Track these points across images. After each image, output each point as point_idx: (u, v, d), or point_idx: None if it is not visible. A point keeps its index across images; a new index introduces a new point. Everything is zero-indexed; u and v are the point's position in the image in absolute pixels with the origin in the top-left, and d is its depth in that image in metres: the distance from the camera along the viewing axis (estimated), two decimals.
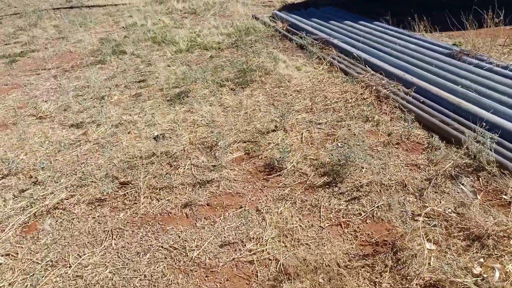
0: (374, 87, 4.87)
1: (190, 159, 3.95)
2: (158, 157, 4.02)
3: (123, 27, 9.64)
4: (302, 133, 4.22)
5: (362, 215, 3.04)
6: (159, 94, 5.53)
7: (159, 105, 5.21)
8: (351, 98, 4.79)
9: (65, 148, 4.34)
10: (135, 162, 3.97)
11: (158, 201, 3.42)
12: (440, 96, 4.28)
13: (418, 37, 6.30)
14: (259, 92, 5.30)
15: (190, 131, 4.48)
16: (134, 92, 5.65)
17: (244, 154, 3.96)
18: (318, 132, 4.22)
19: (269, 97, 5.14)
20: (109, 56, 7.32)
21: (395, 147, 3.83)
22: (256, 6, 10.80)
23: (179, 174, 3.73)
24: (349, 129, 4.21)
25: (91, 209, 3.39)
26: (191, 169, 3.79)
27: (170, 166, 3.87)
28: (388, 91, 4.71)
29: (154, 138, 4.38)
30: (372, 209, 3.07)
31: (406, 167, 3.50)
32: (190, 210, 3.28)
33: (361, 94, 4.87)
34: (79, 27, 9.84)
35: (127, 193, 3.54)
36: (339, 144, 3.93)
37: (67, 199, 3.52)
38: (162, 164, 3.91)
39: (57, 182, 3.77)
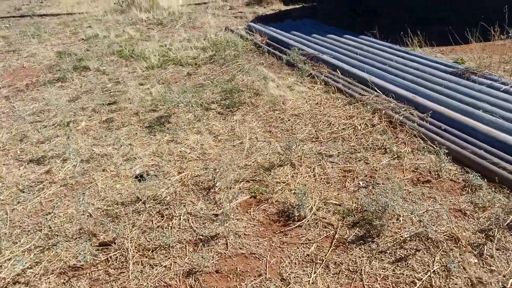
0: (383, 111, 4.30)
1: (184, 205, 3.22)
2: (144, 203, 3.26)
3: (82, 38, 8.75)
4: (314, 168, 3.58)
5: (417, 284, 2.41)
6: (135, 120, 4.76)
7: (136, 133, 4.44)
8: (360, 125, 4.21)
9: (24, 192, 3.49)
10: (116, 211, 3.20)
11: (152, 268, 2.67)
12: (465, 123, 3.77)
13: (413, 53, 5.85)
14: (252, 117, 4.63)
15: (179, 167, 3.75)
16: (105, 117, 4.84)
17: (250, 198, 3.28)
18: (332, 167, 3.59)
19: (265, 123, 4.48)
20: (70, 72, 6.45)
21: (427, 186, 3.25)
22: (227, 17, 10.17)
23: (174, 227, 3.00)
24: (366, 163, 3.62)
25: (63, 283, 2.59)
26: (188, 219, 3.07)
27: (162, 216, 3.13)
28: (400, 116, 4.16)
29: (137, 177, 3.62)
30: (428, 275, 2.45)
31: (450, 214, 2.92)
32: (195, 280, 2.56)
33: (369, 119, 4.29)
34: (31, 39, 8.85)
35: (110, 257, 2.77)
36: (361, 183, 3.31)
37: (30, 269, 2.69)
38: (151, 213, 3.16)
39: (16, 243, 2.93)
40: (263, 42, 7.51)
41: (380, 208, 2.86)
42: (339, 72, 5.61)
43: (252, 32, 8.13)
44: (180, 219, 3.09)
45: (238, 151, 4.00)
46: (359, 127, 4.21)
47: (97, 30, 9.12)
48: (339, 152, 3.83)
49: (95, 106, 5.18)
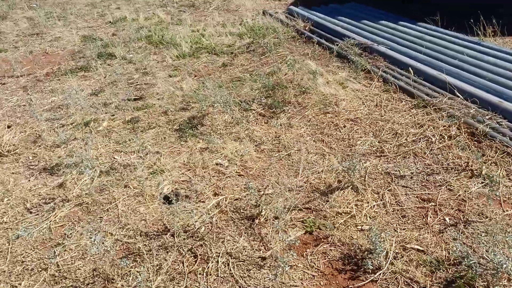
0: (462, 119, 3.49)
1: (223, 241, 2.55)
2: (173, 235, 2.59)
3: (110, 21, 8.13)
4: (383, 194, 2.83)
5: None
6: (163, 120, 4.09)
7: (164, 138, 3.78)
8: (434, 136, 3.41)
9: (32, 213, 2.88)
10: (139, 245, 2.54)
11: None
12: None
13: (486, 44, 4.97)
14: (299, 121, 3.90)
15: (216, 186, 3.06)
16: (130, 116, 4.19)
17: (305, 234, 2.57)
18: (406, 194, 2.84)
19: (315, 129, 3.75)
20: (94, 60, 5.83)
21: None
22: (264, 0, 9.34)
23: (210, 274, 2.32)
24: (450, 190, 2.85)
25: None
26: (228, 263, 2.39)
27: (194, 257, 2.47)
28: (485, 126, 3.34)
29: (164, 198, 2.95)
30: None
31: None
32: None
33: (445, 129, 3.49)
34: (57, 21, 8.28)
35: None
36: (447, 220, 2.56)
37: None
38: (182, 251, 2.49)
39: (16, 287, 2.32)
40: (306, 28, 6.71)
41: (485, 262, 2.11)
42: (396, 66, 4.77)
43: (293, 17, 7.32)
44: (218, 262, 2.41)
45: (285, 166, 3.28)
46: (433, 139, 3.41)
47: (125, 12, 8.48)
48: (412, 173, 3.06)
49: (119, 101, 4.55)
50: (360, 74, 4.77)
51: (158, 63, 5.75)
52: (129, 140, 3.79)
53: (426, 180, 3.01)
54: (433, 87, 4.21)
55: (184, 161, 3.46)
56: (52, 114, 4.38)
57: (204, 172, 3.28)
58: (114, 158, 3.57)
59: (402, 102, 4.11)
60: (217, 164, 3.38)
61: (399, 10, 7.14)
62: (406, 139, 3.49)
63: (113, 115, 4.28)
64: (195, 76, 5.20)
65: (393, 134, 3.59)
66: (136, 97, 4.66)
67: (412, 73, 4.57)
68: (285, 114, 4.07)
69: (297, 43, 6.13)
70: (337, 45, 5.58)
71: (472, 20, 5.51)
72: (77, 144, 3.76)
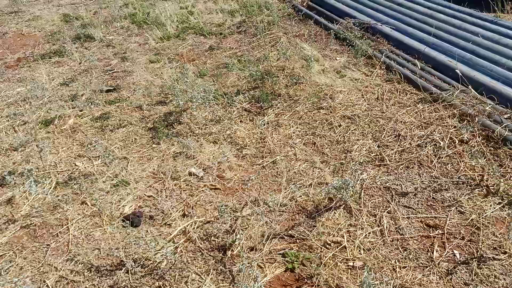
0: (476, 119, 2.97)
1: (186, 282, 2.10)
2: (128, 272, 2.14)
3: None
4: (381, 217, 2.35)
5: None
6: (137, 116, 3.61)
7: (135, 139, 3.31)
8: (443, 139, 2.91)
9: None
10: (87, 285, 2.09)
11: None
12: None
13: (505, 23, 4.39)
14: (289, 118, 3.40)
15: (185, 203, 2.60)
16: (99, 112, 3.71)
17: (286, 271, 2.11)
18: (408, 217, 2.36)
19: (307, 128, 3.26)
20: (71, 43, 5.28)
21: None
22: None
23: None
24: (461, 212, 2.37)
25: None
26: None
27: None
28: (504, 128, 2.83)
29: (125, 219, 2.50)
30: None
31: None
32: None
33: (456, 130, 2.97)
34: None
35: None
36: (457, 255, 2.09)
37: None
38: None
39: None
40: (304, 4, 6.11)
41: None
42: (401, 49, 4.22)
43: None
44: None
45: (269, 177, 2.81)
46: (441, 143, 2.91)
47: None
48: (416, 189, 2.58)
49: (91, 93, 4.06)
50: (361, 59, 4.22)
51: (139, 46, 5.22)
52: (95, 142, 3.31)
53: (433, 198, 2.52)
54: (443, 76, 3.68)
55: (154, 170, 3.00)
56: (15, 109, 3.90)
57: (175, 185, 2.82)
58: (76, 165, 3.10)
59: (406, 95, 3.59)
60: (190, 174, 2.91)
61: None
62: (410, 143, 2.99)
63: (82, 111, 3.79)
64: (178, 62, 4.66)
65: (395, 137, 3.08)
66: (110, 88, 4.17)
67: (414, 55, 4.00)
68: (273, 110, 3.56)
69: (292, 22, 5.55)
70: (337, 24, 5.00)
71: None
72: (36, 147, 3.29)
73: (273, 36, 5.08)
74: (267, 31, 5.22)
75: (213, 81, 4.17)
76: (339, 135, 3.19)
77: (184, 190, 2.78)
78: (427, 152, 2.89)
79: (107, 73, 4.56)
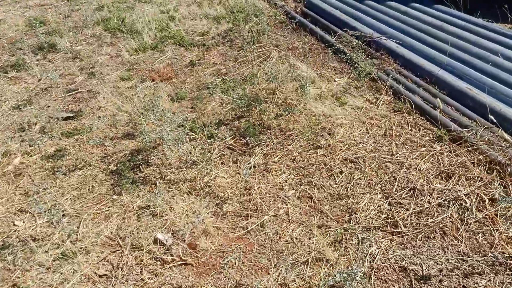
0: (508, 169, 2.38)
1: None
2: None
3: None
4: None
5: None
6: (98, 154, 2.99)
7: (93, 187, 2.69)
8: (468, 196, 2.31)
9: None
10: None
11: None
12: None
13: None
14: (280, 160, 2.80)
15: None
16: (53, 148, 3.09)
17: None
18: None
19: (301, 176, 2.68)
20: (32, 55, 4.62)
21: None
22: None
23: None
24: None
25: None
26: None
27: None
28: None
29: None
30: None
31: None
32: None
33: (485, 184, 2.38)
34: None
35: None
36: None
37: None
38: None
39: None
40: (298, 10, 5.48)
41: None
42: (410, 70, 3.64)
43: None
44: None
45: (254, 247, 2.20)
46: (467, 202, 2.31)
47: None
48: (440, 271, 2.00)
49: (47, 121, 3.40)
50: (364, 81, 3.61)
51: (111, 59, 4.57)
52: (43, 191, 2.67)
53: (463, 287, 1.91)
54: (462, 108, 3.09)
55: (111, 233, 2.36)
56: None
57: (135, 258, 2.19)
58: (14, 224, 2.46)
59: (420, 130, 2.99)
60: (156, 241, 2.28)
61: None
62: (429, 201, 2.39)
63: (33, 145, 3.13)
64: (153, 81, 4.03)
65: (409, 190, 2.49)
66: (70, 114, 3.51)
67: (431, 84, 3.40)
68: (261, 149, 2.95)
69: (285, 32, 4.92)
70: (334, 35, 4.39)
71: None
72: None
73: (263, 49, 4.45)
74: (256, 43, 4.58)
75: (192, 107, 3.54)
76: (341, 186, 2.59)
77: (146, 267, 2.15)
78: (451, 214, 2.30)
79: (69, 93, 3.91)
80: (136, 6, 6.23)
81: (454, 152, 2.76)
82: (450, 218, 2.30)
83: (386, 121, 3.17)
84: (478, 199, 2.39)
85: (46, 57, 4.71)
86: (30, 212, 2.59)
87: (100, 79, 4.16)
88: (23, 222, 2.51)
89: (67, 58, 4.65)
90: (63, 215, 2.53)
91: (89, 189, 2.74)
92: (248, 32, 4.88)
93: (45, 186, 2.78)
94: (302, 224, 2.38)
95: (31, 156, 3.08)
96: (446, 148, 2.81)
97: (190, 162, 2.86)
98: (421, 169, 2.67)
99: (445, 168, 2.64)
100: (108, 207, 2.59)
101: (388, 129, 3.08)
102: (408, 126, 3.09)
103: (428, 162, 2.72)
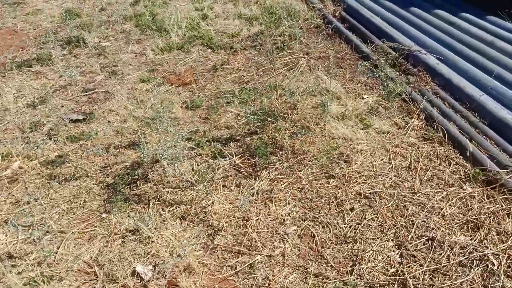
0: None
1: None
2: None
3: None
4: None
5: None
6: (98, 165, 2.87)
7: (84, 202, 2.51)
8: (498, 257, 1.97)
9: None
10: None
11: None
12: None
13: None
14: (287, 188, 2.54)
15: None
16: (56, 153, 2.97)
17: None
18: None
19: (307, 209, 2.40)
20: (59, 48, 4.56)
21: None
22: None
23: None
24: None
25: None
26: None
27: None
28: None
29: None
30: None
31: None
32: None
33: None
34: None
35: None
36: None
37: None
38: None
39: None
40: (337, 15, 5.12)
41: None
42: (453, 94, 3.24)
43: None
44: None
45: None
46: (495, 265, 1.96)
47: None
48: None
49: (57, 122, 3.28)
50: (394, 101, 3.24)
51: (135, 58, 4.43)
52: (34, 201, 2.54)
53: None
54: (504, 143, 2.69)
55: (91, 258, 2.17)
56: None
57: None
58: None
59: (450, 165, 2.62)
60: (134, 273, 2.07)
61: None
62: (448, 257, 2.06)
63: (35, 148, 3.01)
64: (172, 85, 3.83)
65: (427, 240, 2.16)
66: (80, 117, 3.37)
67: (470, 111, 3.01)
68: (268, 173, 2.68)
69: (319, 37, 4.59)
70: (371, 45, 4.03)
71: None
72: None
73: (293, 56, 4.15)
74: (286, 49, 4.29)
75: (205, 117, 3.32)
76: (349, 227, 2.28)
77: None
78: (473, 278, 1.95)
79: (85, 93, 3.79)
80: (172, 1, 6.07)
81: (487, 197, 2.38)
82: (471, 282, 1.95)
83: (413, 150, 2.81)
84: (508, 262, 2.01)
85: (72, 52, 4.63)
86: (17, 224, 2.44)
87: (120, 79, 4.02)
88: (5, 236, 2.37)
89: (92, 54, 4.54)
90: (46, 232, 2.36)
91: (80, 204, 2.58)
92: (280, 36, 4.59)
93: (37, 195, 2.64)
94: (297, 269, 2.10)
95: (31, 160, 2.96)
96: (478, 191, 2.44)
97: (190, 183, 2.63)
98: (445, 214, 2.31)
99: (474, 216, 2.27)
100: (95, 226, 2.41)
101: (414, 161, 2.72)
102: (437, 159, 2.72)
103: (454, 206, 2.36)
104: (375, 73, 3.26)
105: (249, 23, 5.17)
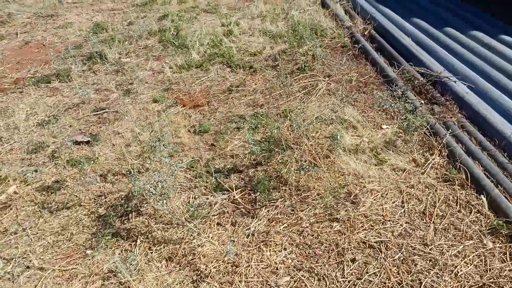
0: None
1: None
2: None
3: (137, 4, 6.76)
4: None
5: None
6: (93, 193, 2.75)
7: (71, 236, 2.39)
8: None
9: None
10: None
11: None
12: None
13: None
14: (285, 232, 2.36)
15: None
16: (54, 178, 2.90)
17: None
18: None
19: (304, 256, 2.18)
20: (80, 64, 4.55)
21: None
22: None
23: None
24: None
25: None
26: None
27: None
28: None
29: None
30: None
31: None
32: None
33: None
34: None
35: None
36: None
37: None
38: None
39: None
40: (366, 33, 4.86)
41: None
42: (482, 128, 2.92)
43: (356, 11, 5.43)
44: None
45: None
46: None
47: None
48: None
49: (62, 143, 3.21)
50: (414, 134, 2.95)
51: (152, 76, 4.33)
52: (22, 231, 2.45)
53: None
54: None
55: None
56: None
57: None
58: None
59: (470, 213, 2.33)
60: None
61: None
62: None
63: (33, 172, 2.93)
64: (183, 106, 3.70)
65: None
66: (85, 139, 3.29)
67: (498, 149, 2.69)
68: (268, 211, 2.47)
69: (344, 58, 4.35)
70: (397, 68, 3.77)
71: None
72: None
73: (313, 79, 3.93)
74: (307, 70, 4.08)
75: (212, 144, 3.15)
76: (348, 281, 2.04)
77: None
78: None
79: (96, 112, 3.71)
80: (200, 16, 6.00)
81: (510, 256, 2.07)
82: None
83: (430, 193, 2.53)
84: None
85: (92, 68, 4.60)
86: (0, 257, 2.34)
87: (133, 98, 3.93)
88: None
89: (111, 71, 4.49)
90: (27, 267, 2.24)
91: (67, 236, 2.46)
92: (303, 56, 4.38)
93: (26, 225, 2.54)
94: None
95: (28, 185, 2.87)
96: (500, 247, 2.13)
97: (183, 218, 2.46)
98: (459, 274, 2.03)
99: (492, 279, 1.98)
100: (77, 264, 2.27)
101: (430, 205, 2.44)
102: (456, 205, 2.43)
103: (470, 264, 2.07)
104: (393, 104, 2.97)
105: (274, 40, 5.00)
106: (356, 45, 4.56)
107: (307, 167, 2.63)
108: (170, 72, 4.40)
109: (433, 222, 2.34)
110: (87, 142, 3.29)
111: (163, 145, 2.81)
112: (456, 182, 2.58)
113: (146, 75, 4.39)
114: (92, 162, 3.05)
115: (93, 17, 6.32)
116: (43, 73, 4.57)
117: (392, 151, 2.89)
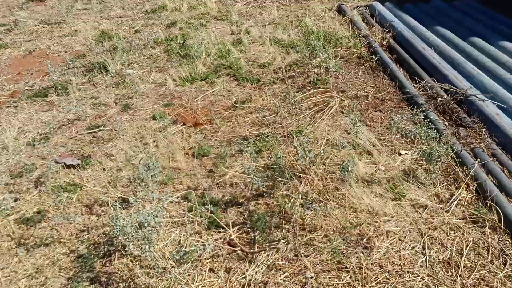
0: None
1: None
2: None
3: (146, 11, 6.52)
4: None
5: None
6: (77, 227, 2.43)
7: (45, 282, 2.12)
8: None
9: None
10: None
11: None
12: None
13: None
14: (286, 283, 2.02)
15: None
16: (36, 208, 2.61)
17: None
18: None
19: None
20: (80, 76, 4.31)
21: None
22: None
23: None
24: None
25: None
26: None
27: None
28: None
29: None
30: None
31: None
32: None
33: None
34: (95, 4, 6.91)
35: None
36: None
37: None
38: None
39: None
40: (384, 43, 4.49)
41: None
42: None
43: (374, 18, 5.07)
44: None
45: None
46: None
47: None
48: None
49: (49, 167, 2.93)
50: (437, 164, 2.59)
51: (154, 89, 4.07)
52: None
53: None
54: None
55: None
56: None
57: None
58: None
59: (505, 265, 1.97)
60: None
61: None
62: None
63: (17, 201, 2.67)
64: (183, 124, 3.41)
65: None
66: (75, 163, 3.01)
67: None
68: (268, 256, 2.15)
69: (360, 70, 4.02)
70: (419, 83, 3.41)
71: None
72: None
73: (324, 94, 3.60)
74: (320, 84, 3.74)
75: (210, 169, 2.84)
76: None
77: None
78: None
79: (91, 131, 3.45)
80: (209, 23, 5.71)
81: None
82: None
83: (456, 237, 2.17)
84: None
85: (92, 80, 4.34)
86: None
87: (132, 115, 3.67)
88: None
89: (112, 83, 4.24)
90: None
91: (40, 282, 2.18)
92: (316, 68, 4.05)
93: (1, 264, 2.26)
94: None
95: (8, 215, 2.60)
96: None
97: (172, 263, 2.15)
98: None
99: None
100: None
101: (457, 253, 2.08)
102: (488, 254, 2.06)
103: None
104: (413, 130, 2.61)
105: (285, 50, 4.68)
106: (373, 56, 4.22)
107: (312, 205, 2.29)
108: (173, 85, 4.13)
109: (460, 275, 1.98)
110: (77, 165, 3.01)
111: (153, 174, 2.50)
112: (487, 223, 2.22)
113: (147, 88, 4.12)
114: (79, 189, 2.75)
115: (100, 25, 6.09)
116: (42, 86, 4.35)
117: (412, 183, 2.53)
